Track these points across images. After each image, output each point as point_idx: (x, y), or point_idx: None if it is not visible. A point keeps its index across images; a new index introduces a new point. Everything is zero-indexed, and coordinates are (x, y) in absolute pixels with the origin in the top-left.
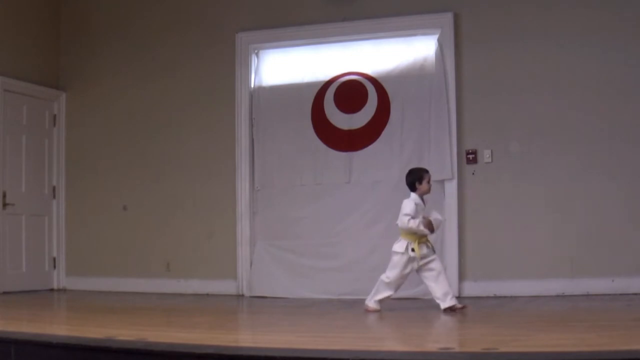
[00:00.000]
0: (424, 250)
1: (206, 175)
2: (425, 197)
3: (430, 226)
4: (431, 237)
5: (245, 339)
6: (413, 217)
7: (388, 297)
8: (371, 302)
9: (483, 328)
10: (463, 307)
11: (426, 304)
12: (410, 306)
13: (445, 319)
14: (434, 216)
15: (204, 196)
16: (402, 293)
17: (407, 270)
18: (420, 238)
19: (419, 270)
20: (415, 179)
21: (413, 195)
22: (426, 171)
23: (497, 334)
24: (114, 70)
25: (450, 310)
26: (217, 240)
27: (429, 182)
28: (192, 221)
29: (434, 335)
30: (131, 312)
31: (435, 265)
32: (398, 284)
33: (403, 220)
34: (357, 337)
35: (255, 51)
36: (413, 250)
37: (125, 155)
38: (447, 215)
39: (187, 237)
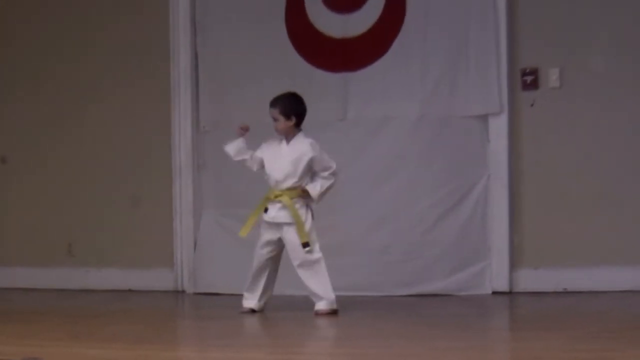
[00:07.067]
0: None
1: (128, 110)
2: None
3: None
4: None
5: (188, 358)
6: None
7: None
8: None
9: (552, 339)
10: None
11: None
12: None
13: (483, 324)
14: None
15: (124, 142)
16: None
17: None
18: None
19: None
20: None
21: None
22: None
23: (575, 349)
24: None
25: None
26: (144, 210)
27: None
28: (106, 181)
29: (477, 350)
30: (18, 319)
31: None
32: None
33: None
34: (352, 354)
35: None
36: (266, 210)
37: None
38: (491, 169)
39: (98, 206)
